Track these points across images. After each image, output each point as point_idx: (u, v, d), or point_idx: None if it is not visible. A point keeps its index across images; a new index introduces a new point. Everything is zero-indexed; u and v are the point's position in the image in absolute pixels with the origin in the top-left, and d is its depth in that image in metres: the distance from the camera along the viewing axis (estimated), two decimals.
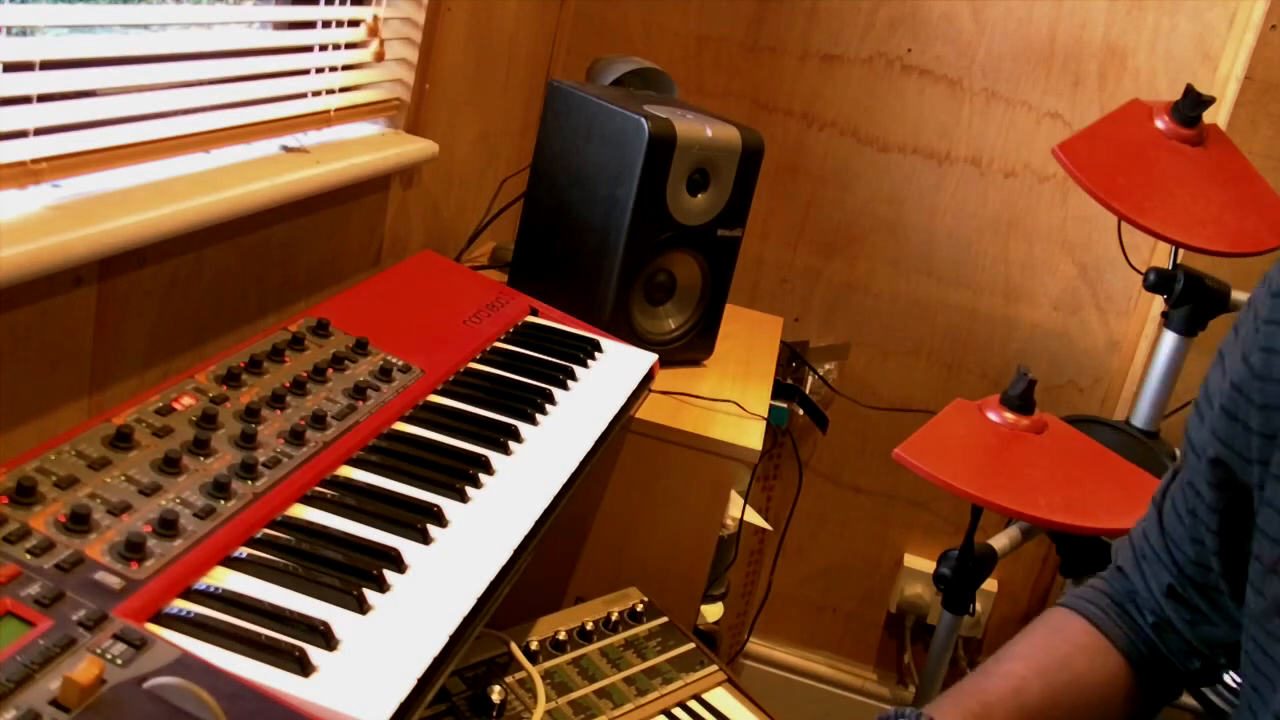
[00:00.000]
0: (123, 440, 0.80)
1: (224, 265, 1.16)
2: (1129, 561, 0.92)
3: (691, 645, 1.23)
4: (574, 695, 1.10)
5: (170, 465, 0.79)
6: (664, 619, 1.26)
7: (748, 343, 1.74)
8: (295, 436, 0.89)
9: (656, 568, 1.41)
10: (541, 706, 1.05)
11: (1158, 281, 1.71)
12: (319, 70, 1.32)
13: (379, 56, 1.43)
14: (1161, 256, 1.92)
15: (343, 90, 1.37)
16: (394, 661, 0.69)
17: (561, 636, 1.17)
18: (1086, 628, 0.91)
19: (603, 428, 1.14)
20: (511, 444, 1.03)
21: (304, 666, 0.66)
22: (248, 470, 0.82)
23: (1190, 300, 1.71)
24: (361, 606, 0.73)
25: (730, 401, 1.47)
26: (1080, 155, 1.62)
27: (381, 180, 1.48)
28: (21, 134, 0.88)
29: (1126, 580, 0.93)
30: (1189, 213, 1.62)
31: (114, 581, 0.67)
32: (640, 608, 1.25)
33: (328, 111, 1.34)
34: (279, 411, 0.92)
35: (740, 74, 2.08)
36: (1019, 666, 0.89)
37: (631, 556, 1.42)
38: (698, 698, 1.16)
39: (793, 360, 2.05)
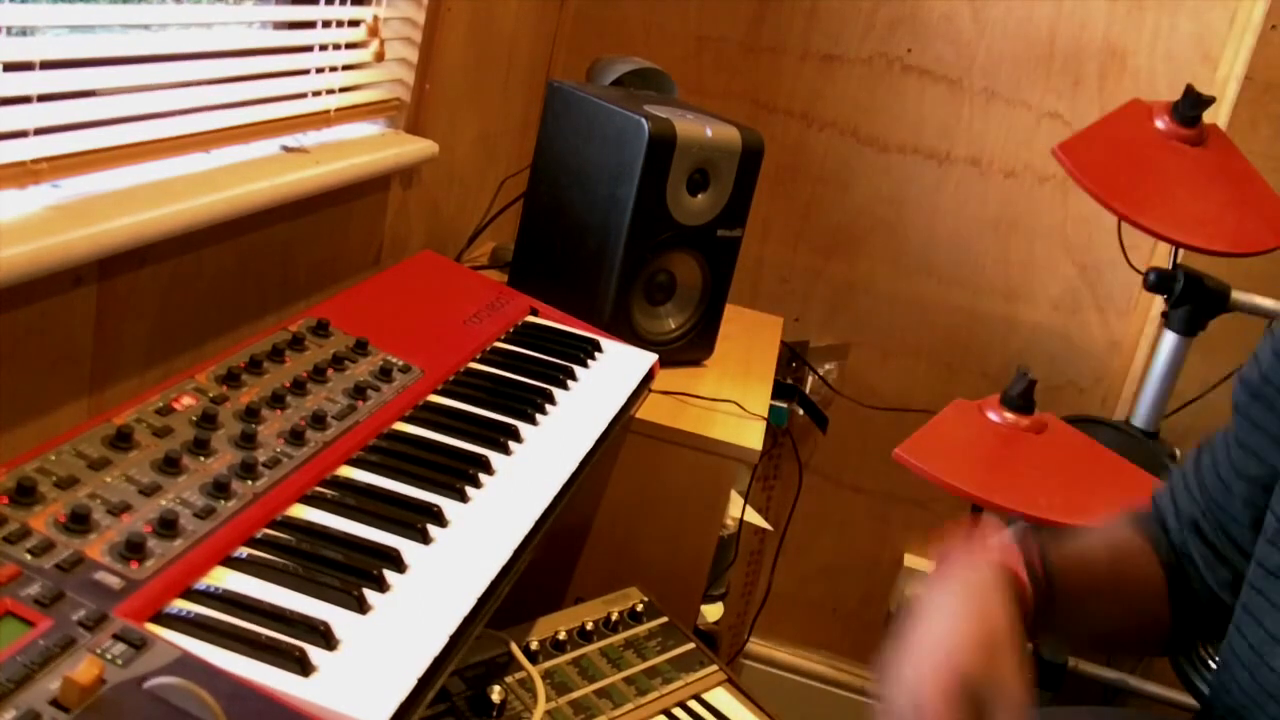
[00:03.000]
0: (123, 440, 0.80)
1: (224, 265, 1.16)
2: (1165, 496, 1.00)
3: (691, 645, 1.23)
4: (574, 695, 1.10)
5: (170, 465, 0.79)
6: (664, 619, 1.26)
7: (748, 343, 1.74)
8: (295, 436, 0.89)
9: (656, 568, 1.41)
10: (541, 706, 1.05)
11: (1158, 281, 1.71)
12: (319, 70, 1.31)
13: (379, 56, 1.43)
14: (1161, 256, 1.92)
15: (343, 90, 1.37)
16: (394, 661, 0.69)
17: (561, 636, 1.17)
18: (1137, 532, 1.00)
19: (603, 428, 1.14)
20: (511, 444, 1.03)
21: (304, 666, 0.66)
22: (248, 470, 0.82)
23: (1190, 300, 1.71)
24: (361, 606, 0.73)
25: (730, 401, 1.47)
26: (1080, 155, 1.62)
27: (381, 180, 1.48)
28: (21, 134, 0.88)
29: (1159, 511, 1.01)
30: (1189, 213, 1.62)
31: (114, 581, 0.67)
32: (640, 608, 1.25)
33: (328, 111, 1.34)
34: (279, 411, 0.92)
35: (740, 74, 2.08)
36: (1090, 539, 0.98)
37: (631, 556, 1.42)
38: (698, 698, 1.16)
39: (793, 360, 2.05)
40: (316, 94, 1.32)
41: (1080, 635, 1.01)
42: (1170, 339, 1.76)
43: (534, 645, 1.14)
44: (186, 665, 0.61)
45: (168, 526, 0.73)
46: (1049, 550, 0.90)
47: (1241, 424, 0.92)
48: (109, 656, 0.60)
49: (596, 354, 1.32)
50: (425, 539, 0.84)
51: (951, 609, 0.81)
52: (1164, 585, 0.97)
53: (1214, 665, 1.65)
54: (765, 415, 1.47)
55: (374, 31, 1.41)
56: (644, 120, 1.40)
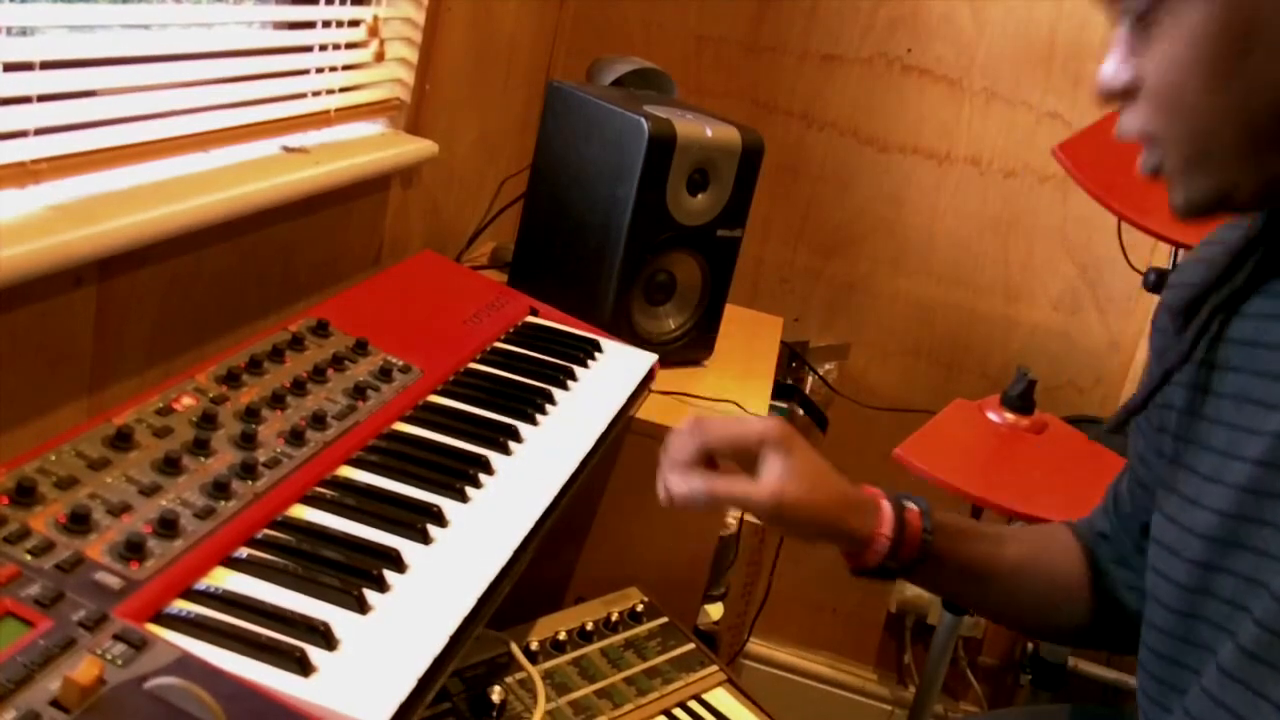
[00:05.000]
0: (123, 440, 0.80)
1: (224, 265, 1.16)
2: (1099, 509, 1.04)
3: (691, 645, 1.23)
4: (574, 695, 1.10)
5: (170, 465, 0.79)
6: (664, 619, 1.26)
7: (748, 343, 1.74)
8: (295, 437, 0.89)
9: (656, 568, 1.41)
10: (541, 707, 1.05)
11: (1158, 281, 1.70)
12: (319, 70, 1.31)
13: (379, 56, 1.43)
14: (1161, 256, 1.92)
15: (343, 90, 1.37)
16: (394, 661, 0.69)
17: (561, 636, 1.17)
18: (1069, 529, 1.05)
19: (603, 428, 1.14)
20: (511, 444, 1.03)
21: (304, 667, 0.66)
22: (248, 470, 0.82)
23: None
24: (361, 607, 0.73)
25: (730, 402, 1.47)
26: (1080, 155, 1.62)
27: (381, 180, 1.48)
28: (21, 134, 0.88)
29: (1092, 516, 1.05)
30: None
31: (114, 582, 0.67)
32: (640, 608, 1.25)
33: (328, 111, 1.34)
34: (279, 412, 0.92)
35: (740, 74, 2.08)
36: (1007, 529, 1.05)
37: (631, 556, 1.42)
38: (698, 698, 1.16)
39: (793, 360, 2.05)
40: (316, 94, 1.32)
41: (967, 592, 1.04)
42: None
43: (534, 645, 1.14)
44: (186, 665, 0.61)
45: (168, 527, 0.73)
46: (933, 508, 0.97)
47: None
48: (109, 657, 0.60)
49: (596, 354, 1.32)
50: (425, 539, 0.84)
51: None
52: (1083, 573, 1.00)
53: None
54: (765, 415, 1.47)
55: (374, 31, 1.41)
56: (644, 120, 1.40)
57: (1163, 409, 0.86)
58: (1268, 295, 0.76)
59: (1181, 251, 1.71)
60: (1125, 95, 0.72)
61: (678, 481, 0.92)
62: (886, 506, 0.95)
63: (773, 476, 0.90)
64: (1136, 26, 0.70)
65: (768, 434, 0.92)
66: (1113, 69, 0.72)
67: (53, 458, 0.75)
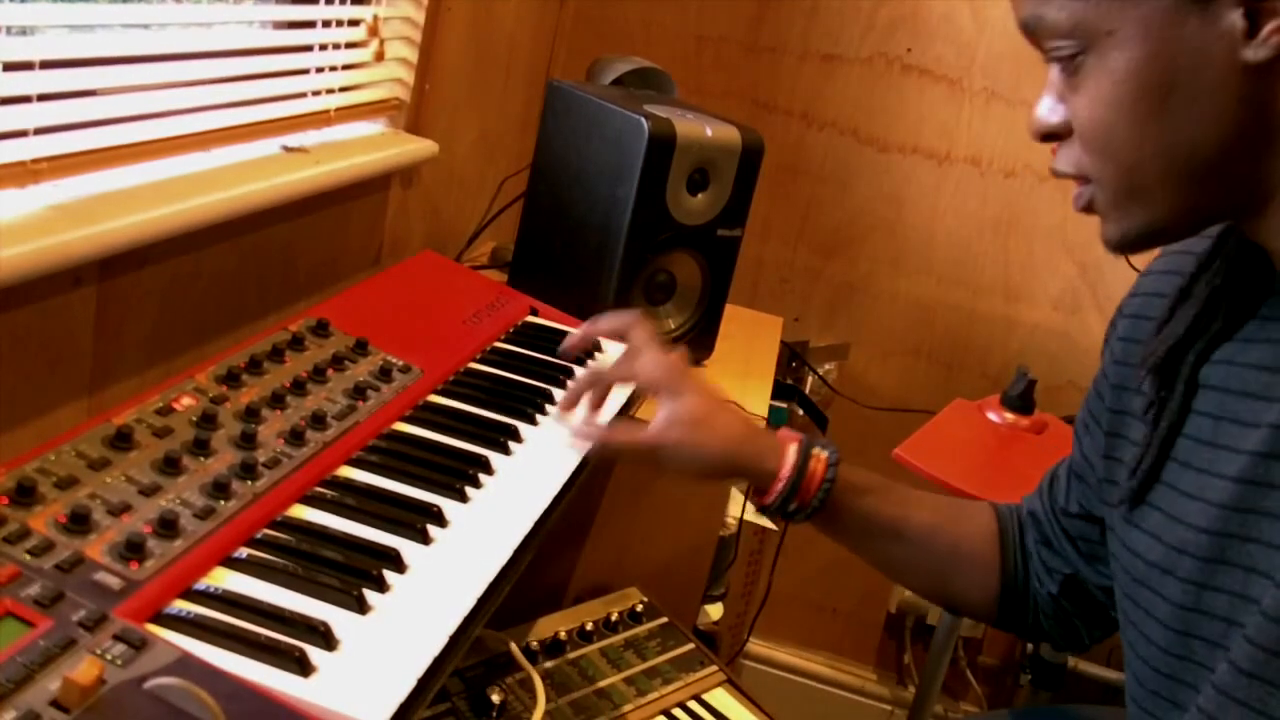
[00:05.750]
0: (123, 440, 0.80)
1: (224, 265, 1.16)
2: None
3: (691, 645, 1.23)
4: (574, 695, 1.10)
5: (170, 465, 0.79)
6: (664, 619, 1.26)
7: (748, 343, 1.74)
8: (295, 437, 0.89)
9: (656, 568, 1.41)
10: (541, 707, 1.05)
11: None
12: (319, 70, 1.32)
13: (379, 56, 1.43)
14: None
15: (342, 90, 1.37)
16: (394, 662, 0.69)
17: (561, 636, 1.17)
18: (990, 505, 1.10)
19: None
20: (511, 444, 1.03)
21: (304, 667, 0.66)
22: (248, 470, 0.82)
23: None
24: (361, 607, 0.73)
25: (730, 402, 1.47)
26: None
27: (381, 180, 1.48)
28: (21, 134, 0.88)
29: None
30: None
31: (114, 582, 0.67)
32: (640, 608, 1.25)
33: (328, 111, 1.34)
34: (279, 412, 0.92)
35: (740, 74, 2.08)
36: (923, 495, 1.09)
37: (631, 556, 1.42)
38: (698, 698, 1.16)
39: (793, 360, 2.05)
40: (316, 94, 1.32)
41: (868, 547, 1.09)
42: None
43: (534, 645, 1.14)
44: (186, 665, 0.61)
45: (168, 527, 0.73)
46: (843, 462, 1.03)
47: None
48: (109, 657, 0.60)
49: (597, 354, 1.32)
50: (425, 539, 0.84)
51: None
52: (991, 552, 1.04)
53: None
54: (765, 415, 1.47)
55: (374, 31, 1.42)
56: (644, 120, 1.40)
57: (1123, 415, 0.88)
58: (1242, 336, 0.78)
59: None
60: (1058, 135, 0.76)
61: (579, 427, 1.05)
62: (792, 450, 1.01)
63: (657, 421, 1.00)
64: (1066, 69, 0.73)
65: (655, 383, 1.02)
66: (1046, 109, 0.76)
67: (53, 458, 0.75)
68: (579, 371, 1.25)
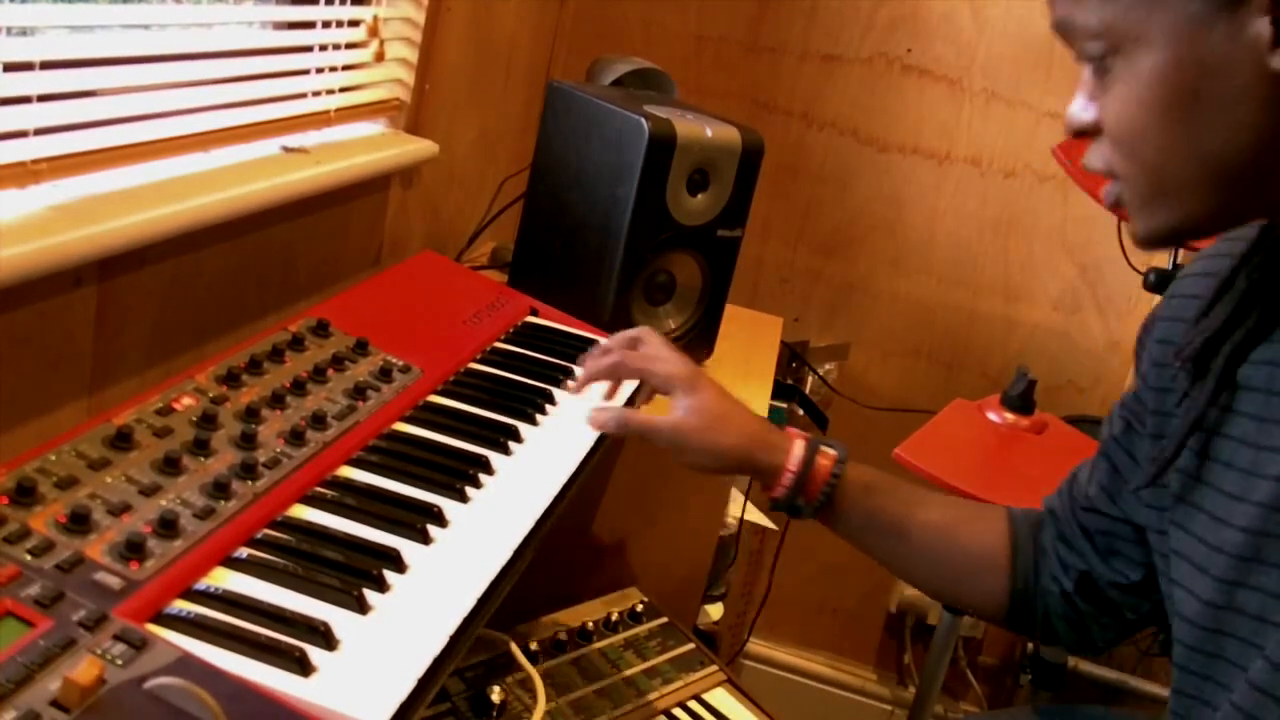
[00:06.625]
0: (123, 440, 0.80)
1: (224, 265, 1.16)
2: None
3: (691, 645, 1.23)
4: (574, 695, 1.10)
5: (170, 465, 0.79)
6: (664, 619, 1.26)
7: (748, 343, 1.74)
8: (295, 437, 0.89)
9: (656, 568, 1.41)
10: (541, 707, 1.05)
11: (1158, 281, 1.71)
12: (319, 70, 1.32)
13: (379, 56, 1.43)
14: (1161, 257, 1.91)
15: (342, 90, 1.37)
16: (394, 662, 0.69)
17: (562, 636, 1.17)
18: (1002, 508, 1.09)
19: None
20: (511, 444, 1.03)
21: (304, 667, 0.66)
22: (248, 470, 0.82)
23: None
24: (361, 607, 0.73)
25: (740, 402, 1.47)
26: (1080, 155, 1.62)
27: (381, 180, 1.48)
28: (21, 134, 0.88)
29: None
30: None
31: (114, 582, 0.67)
32: (640, 608, 1.25)
33: (328, 111, 1.34)
34: (279, 412, 0.92)
35: (740, 74, 2.08)
36: (932, 495, 1.11)
37: (631, 556, 1.42)
38: (698, 698, 1.16)
39: (793, 360, 2.05)
40: (316, 94, 1.32)
41: (876, 545, 1.10)
42: None
43: (534, 645, 1.14)
44: (187, 665, 0.61)
45: (168, 527, 0.73)
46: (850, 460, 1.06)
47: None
48: (109, 657, 0.60)
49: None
50: (425, 539, 0.84)
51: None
52: (1003, 555, 1.04)
53: None
54: (765, 416, 1.47)
55: (374, 31, 1.42)
56: (644, 120, 1.40)
57: (1168, 418, 0.88)
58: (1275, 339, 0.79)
59: (1182, 253, 1.71)
60: (1090, 133, 0.77)
61: (599, 410, 1.07)
62: (799, 446, 1.05)
63: (675, 412, 1.04)
64: (1096, 70, 0.74)
65: (673, 377, 1.05)
66: (1079, 107, 0.77)
67: (53, 458, 0.75)
68: (579, 372, 1.24)
